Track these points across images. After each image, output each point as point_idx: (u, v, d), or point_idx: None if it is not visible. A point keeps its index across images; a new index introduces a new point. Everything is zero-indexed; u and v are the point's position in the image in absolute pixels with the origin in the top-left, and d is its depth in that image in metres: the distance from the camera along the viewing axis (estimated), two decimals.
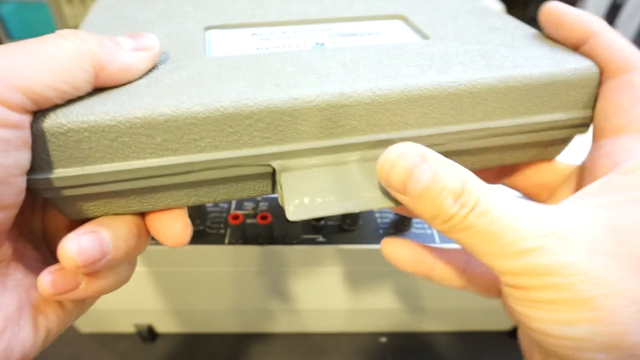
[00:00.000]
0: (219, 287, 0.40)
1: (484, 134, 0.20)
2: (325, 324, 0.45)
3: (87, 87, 0.16)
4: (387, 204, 0.18)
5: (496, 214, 0.15)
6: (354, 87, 0.17)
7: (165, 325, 0.45)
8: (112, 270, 0.18)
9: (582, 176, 0.21)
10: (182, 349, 0.45)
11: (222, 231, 0.37)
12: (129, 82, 0.17)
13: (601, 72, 0.20)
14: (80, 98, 0.16)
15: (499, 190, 0.16)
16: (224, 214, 0.38)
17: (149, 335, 0.44)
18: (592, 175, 0.19)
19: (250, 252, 0.37)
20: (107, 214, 0.19)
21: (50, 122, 0.15)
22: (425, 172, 0.15)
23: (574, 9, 0.20)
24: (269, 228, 0.36)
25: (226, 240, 0.36)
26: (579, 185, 0.21)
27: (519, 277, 0.15)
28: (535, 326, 0.15)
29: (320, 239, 0.37)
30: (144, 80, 0.18)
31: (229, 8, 0.25)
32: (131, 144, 0.16)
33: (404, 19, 0.25)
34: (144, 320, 0.44)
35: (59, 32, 0.16)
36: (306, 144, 0.18)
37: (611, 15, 0.90)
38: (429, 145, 0.19)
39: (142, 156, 0.17)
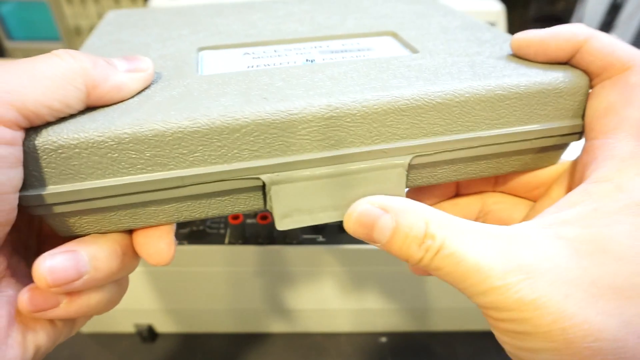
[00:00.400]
0: (219, 287, 0.40)
1: (474, 143, 0.20)
2: (325, 324, 0.45)
3: (80, 105, 0.16)
4: None
5: (461, 255, 0.15)
6: (341, 98, 0.18)
7: (165, 325, 0.45)
8: (97, 290, 0.18)
9: (572, 174, 0.21)
10: (182, 349, 0.45)
11: (222, 231, 0.37)
12: (122, 102, 0.18)
13: (594, 77, 0.19)
14: (72, 116, 0.17)
15: (465, 226, 0.16)
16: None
17: (149, 335, 0.44)
18: (578, 177, 0.19)
19: (250, 252, 0.37)
20: (99, 231, 0.19)
21: (42, 139, 0.16)
22: (387, 224, 0.16)
23: (546, 30, 0.20)
24: (269, 228, 0.36)
25: (226, 240, 0.36)
26: (570, 183, 0.21)
27: (488, 310, 0.16)
28: (507, 349, 0.16)
29: (320, 239, 0.37)
30: (135, 99, 0.18)
31: (223, 30, 0.26)
32: (121, 159, 0.16)
33: (394, 35, 0.25)
34: (144, 320, 0.44)
35: (54, 51, 0.17)
36: (295, 157, 0.18)
37: (611, 15, 0.90)
38: (419, 156, 0.19)
39: (132, 172, 0.17)
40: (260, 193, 0.19)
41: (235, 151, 0.17)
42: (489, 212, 0.25)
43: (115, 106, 0.17)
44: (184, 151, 0.17)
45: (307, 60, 0.22)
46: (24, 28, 0.74)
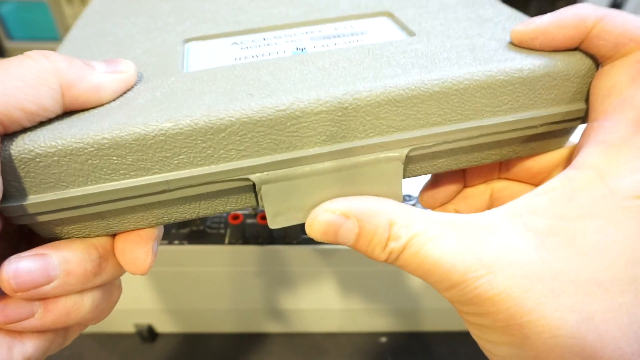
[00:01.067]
0: (219, 287, 0.40)
1: (475, 133, 0.19)
2: (325, 324, 0.45)
3: (56, 108, 0.16)
4: None
5: (424, 252, 0.15)
6: (331, 91, 0.17)
7: (165, 325, 0.45)
8: (75, 297, 0.17)
9: (570, 159, 0.20)
10: (182, 349, 0.45)
11: (222, 231, 0.37)
12: (101, 105, 0.17)
13: (606, 60, 0.18)
14: (50, 121, 0.16)
15: (431, 222, 0.16)
16: (224, 214, 0.38)
17: (149, 335, 0.44)
18: (571, 161, 0.18)
19: (250, 252, 0.37)
20: (88, 236, 0.18)
21: (18, 147, 0.15)
22: (349, 230, 0.16)
23: (549, 17, 0.18)
24: (269, 228, 0.36)
25: (226, 240, 0.36)
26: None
27: (455, 304, 0.16)
28: (476, 340, 0.17)
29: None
30: (117, 102, 0.17)
31: (210, 16, 0.24)
32: (102, 165, 0.16)
33: (390, 15, 0.23)
34: (144, 320, 0.44)
35: (26, 53, 0.16)
36: (284, 155, 0.17)
37: None
38: (417, 148, 0.18)
39: (115, 177, 0.16)
40: (251, 192, 0.19)
41: (221, 151, 0.17)
42: (497, 198, 0.24)
43: (94, 110, 0.16)
44: (168, 154, 0.16)
45: (297, 48, 0.21)
46: (24, 28, 0.74)
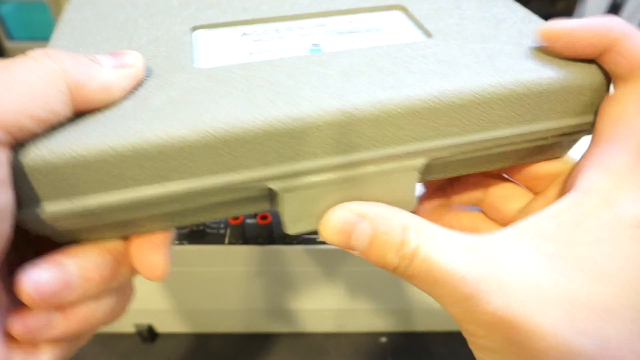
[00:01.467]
0: (218, 287, 0.40)
1: (490, 144, 0.19)
2: (325, 324, 0.45)
3: (66, 111, 0.15)
4: None
5: (435, 261, 0.15)
6: (354, 100, 0.16)
7: (165, 325, 0.45)
8: (94, 301, 0.17)
9: (570, 176, 0.20)
10: (182, 349, 0.45)
11: (222, 231, 0.37)
12: (113, 104, 0.16)
13: (621, 80, 0.18)
14: (61, 125, 0.15)
15: (442, 234, 0.16)
16: None
17: (149, 335, 0.44)
18: (574, 181, 0.18)
19: (250, 252, 0.37)
20: (101, 240, 0.18)
21: (33, 156, 0.14)
22: (365, 231, 0.16)
23: (577, 22, 0.18)
24: (269, 228, 0.36)
25: (226, 240, 0.36)
26: (566, 185, 0.20)
27: (461, 323, 0.15)
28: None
29: (321, 238, 0.37)
30: (130, 102, 0.16)
31: (216, 2, 0.23)
32: (122, 175, 0.15)
33: (403, 9, 0.23)
34: (144, 320, 0.44)
35: (28, 52, 0.15)
36: (305, 163, 0.17)
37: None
38: (432, 159, 0.18)
39: (135, 186, 0.16)
40: (267, 197, 0.18)
41: (243, 160, 0.16)
42: (485, 197, 0.24)
43: (109, 112, 0.16)
44: (189, 163, 0.16)
45: (312, 45, 0.20)
46: (24, 28, 0.74)
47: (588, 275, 0.14)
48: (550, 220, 0.16)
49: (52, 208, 0.15)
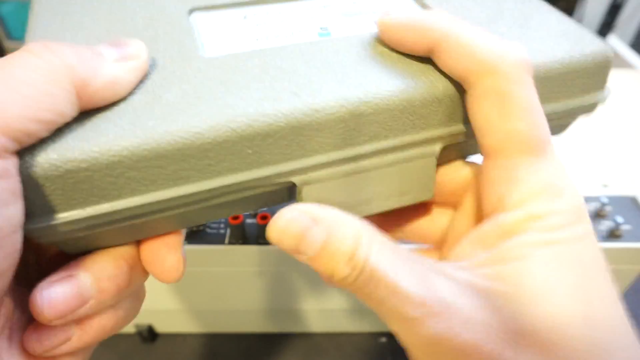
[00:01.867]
0: (218, 287, 0.40)
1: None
2: (325, 324, 0.45)
3: (72, 111, 0.14)
4: (399, 202, 0.18)
5: (383, 275, 0.14)
6: (377, 91, 0.16)
7: (165, 325, 0.45)
8: (110, 310, 0.17)
9: (479, 187, 0.18)
10: (182, 349, 0.45)
11: (222, 231, 0.37)
12: (120, 99, 0.15)
13: (464, 83, 0.16)
14: (69, 126, 0.14)
15: (392, 249, 0.15)
16: None
17: (149, 335, 0.44)
18: (486, 195, 0.17)
19: (250, 252, 0.37)
20: (113, 245, 0.17)
21: (42, 163, 0.13)
22: (317, 236, 0.14)
23: (411, 17, 0.17)
24: None
25: (226, 240, 0.36)
26: (479, 197, 0.18)
27: (402, 342, 0.15)
28: None
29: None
30: (138, 96, 0.15)
31: None
32: (140, 177, 0.14)
33: None
34: (144, 320, 0.44)
35: (27, 47, 0.13)
36: (327, 156, 0.16)
37: (611, 16, 0.90)
38: (443, 143, 0.18)
39: (153, 188, 0.15)
40: (285, 191, 0.18)
41: (267, 156, 0.16)
42: (409, 231, 0.22)
43: (119, 110, 0.15)
44: (211, 162, 0.15)
45: (320, 28, 0.20)
46: (24, 28, 0.74)
47: (524, 299, 0.14)
48: (480, 249, 0.16)
49: (64, 217, 0.14)
